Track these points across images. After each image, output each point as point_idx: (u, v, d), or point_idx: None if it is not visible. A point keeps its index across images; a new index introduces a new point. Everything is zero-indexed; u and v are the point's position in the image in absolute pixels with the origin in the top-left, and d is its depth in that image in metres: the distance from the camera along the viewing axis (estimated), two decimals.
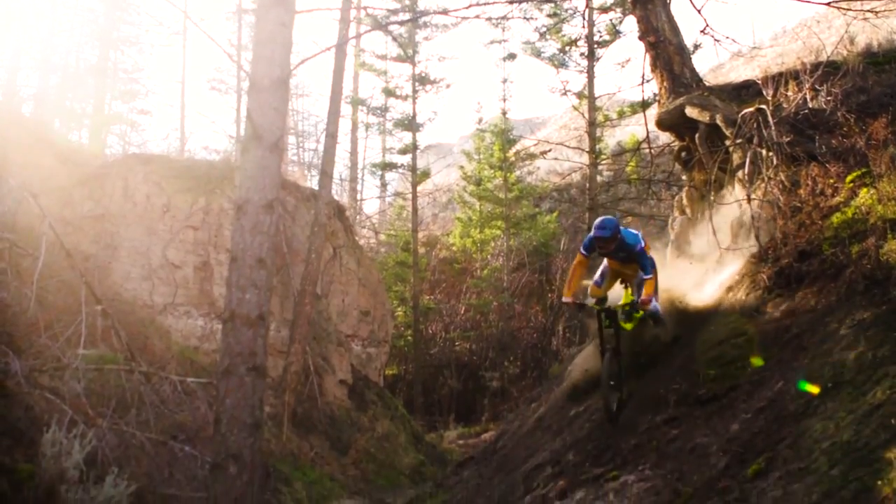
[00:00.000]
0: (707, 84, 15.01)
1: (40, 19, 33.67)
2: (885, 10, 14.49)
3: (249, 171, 9.00)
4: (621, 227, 10.06)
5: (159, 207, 17.44)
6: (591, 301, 10.43)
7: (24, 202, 13.86)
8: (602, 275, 10.72)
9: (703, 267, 11.96)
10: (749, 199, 10.74)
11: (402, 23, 30.58)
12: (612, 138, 32.25)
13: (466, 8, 11.16)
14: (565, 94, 28.24)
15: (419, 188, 32.01)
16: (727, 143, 12.16)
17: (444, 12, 30.61)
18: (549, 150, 29.96)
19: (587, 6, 26.08)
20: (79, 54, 34.42)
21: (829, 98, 11.52)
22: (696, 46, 22.66)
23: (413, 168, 31.38)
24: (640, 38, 14.80)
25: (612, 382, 9.75)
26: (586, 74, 27.83)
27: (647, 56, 14.86)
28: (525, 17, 27.96)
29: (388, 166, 35.20)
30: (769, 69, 15.10)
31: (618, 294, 10.88)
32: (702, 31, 15.76)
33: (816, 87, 11.83)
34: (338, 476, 16.25)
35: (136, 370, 12.59)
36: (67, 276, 13.63)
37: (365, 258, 23.09)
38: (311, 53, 14.64)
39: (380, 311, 22.48)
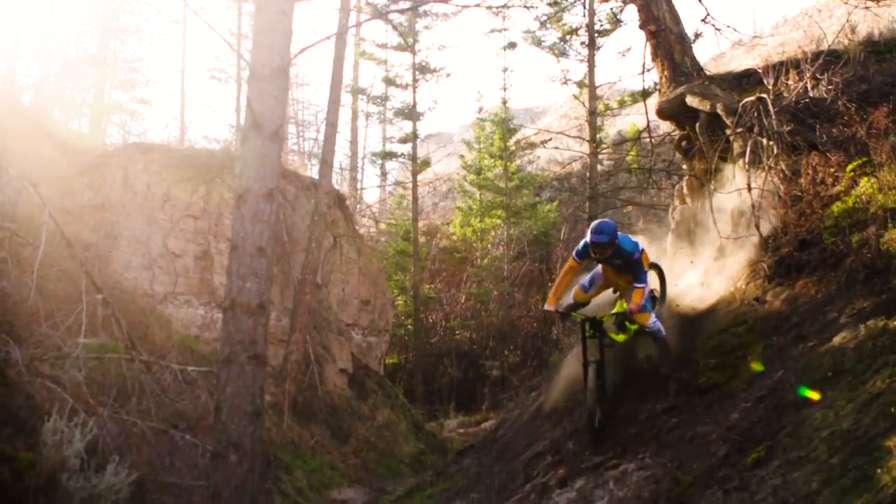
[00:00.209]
0: (708, 73, 14.98)
1: (40, 8, 33.66)
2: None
3: (249, 160, 8.99)
4: (619, 233, 9.45)
5: (159, 197, 17.42)
6: (570, 302, 9.91)
7: (24, 192, 13.86)
8: (592, 279, 10.15)
9: (704, 258, 11.96)
10: (749, 189, 10.73)
11: (402, 11, 30.50)
12: (613, 127, 32.19)
13: None
14: (566, 83, 28.20)
15: (419, 177, 31.98)
16: (728, 132, 12.15)
17: (445, 1, 30.53)
18: (550, 140, 29.95)
19: None
20: (78, 43, 34.41)
21: (829, 87, 11.50)
22: (697, 35, 22.55)
23: (413, 157, 31.34)
24: (641, 26, 14.76)
25: (595, 398, 9.16)
26: (587, 63, 27.76)
27: (648, 45, 14.83)
28: (525, 6, 27.87)
29: (388, 155, 35.19)
30: (770, 58, 15.08)
31: (603, 302, 10.33)
32: (702, 20, 15.69)
33: (817, 76, 11.81)
34: (338, 464, 16.28)
35: (137, 359, 12.63)
36: (68, 266, 13.64)
37: (365, 247, 23.08)
38: (311, 42, 14.71)
39: (380, 300, 22.49)
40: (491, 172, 32.28)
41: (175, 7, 42.60)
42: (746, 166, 11.09)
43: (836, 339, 7.56)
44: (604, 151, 29.32)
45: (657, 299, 10.50)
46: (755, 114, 11.35)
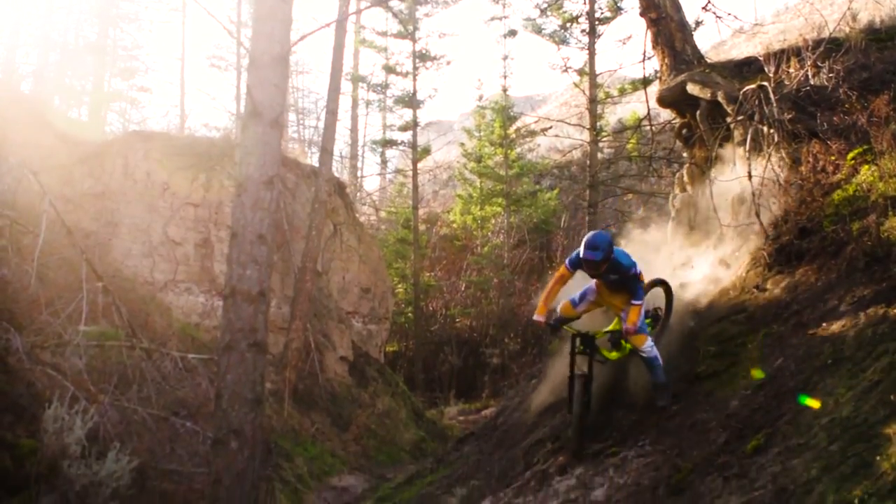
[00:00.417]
0: (708, 61, 14.93)
1: None
2: None
3: (250, 147, 9.01)
4: (616, 247, 8.74)
5: (160, 184, 17.43)
6: (558, 315, 9.21)
7: (24, 180, 13.87)
8: (583, 294, 9.34)
9: (704, 246, 11.96)
10: (750, 176, 10.72)
11: None
12: (613, 115, 32.14)
13: None
14: (566, 70, 28.08)
15: (419, 165, 31.93)
16: (728, 119, 12.12)
17: None
18: (550, 127, 29.88)
19: None
20: (78, 31, 34.32)
21: (830, 75, 11.47)
22: (698, 23, 22.50)
23: (413, 145, 31.30)
24: (642, 14, 14.71)
25: (580, 413, 8.81)
26: (587, 51, 27.65)
27: (649, 33, 14.78)
28: None
29: (388, 143, 35.12)
30: (771, 46, 15.03)
31: (598, 316, 9.68)
32: (703, 8, 15.65)
33: (818, 63, 11.78)
34: (339, 452, 16.32)
35: (138, 346, 12.65)
36: (68, 254, 13.65)
37: (365, 235, 23.08)
38: (311, 30, 14.70)
39: (380, 287, 22.51)
40: (491, 160, 32.25)
41: None
42: (747, 154, 11.06)
43: (836, 327, 7.56)
44: (604, 139, 29.25)
45: (660, 318, 9.88)
46: (756, 102, 11.33)
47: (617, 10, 27.42)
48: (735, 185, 11.16)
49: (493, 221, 32.59)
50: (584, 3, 27.44)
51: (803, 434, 6.33)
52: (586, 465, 8.56)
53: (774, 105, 10.94)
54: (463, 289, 31.30)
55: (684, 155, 15.94)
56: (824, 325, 7.81)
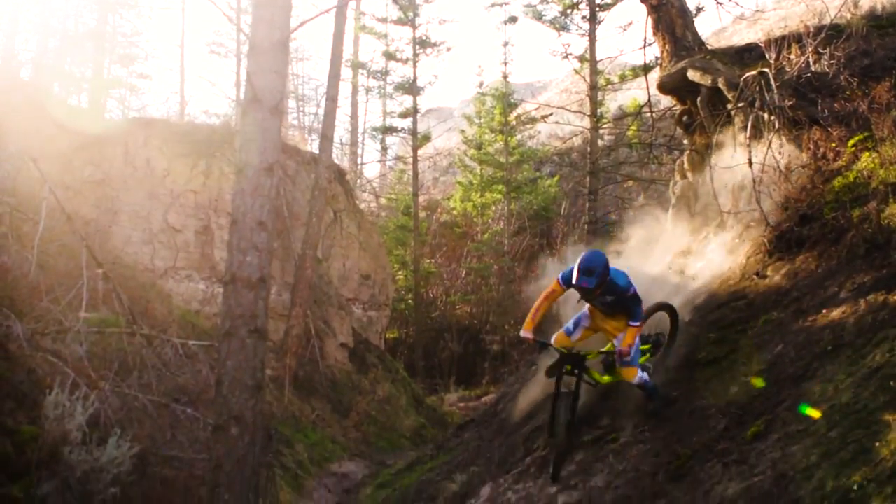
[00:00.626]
0: (709, 47, 14.89)
1: None
2: None
3: (250, 134, 8.99)
4: (611, 267, 8.11)
5: (160, 171, 17.42)
6: (551, 343, 8.61)
7: (24, 167, 13.85)
8: (577, 321, 8.86)
9: (704, 233, 11.96)
10: (751, 163, 10.71)
11: None
12: (614, 102, 32.03)
13: None
14: (567, 57, 27.99)
15: (420, 152, 31.87)
16: (729, 106, 12.10)
17: None
18: (551, 114, 29.79)
19: None
20: (77, 18, 34.10)
21: (832, 61, 11.45)
22: (699, 9, 22.48)
23: (414, 132, 31.26)
24: (643, 0, 14.68)
25: (565, 433, 8.44)
26: (588, 38, 27.55)
27: (649, 19, 14.74)
28: None
29: (388, 130, 35.05)
30: (772, 32, 14.98)
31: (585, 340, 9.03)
32: None
33: (819, 50, 11.75)
34: (339, 438, 16.36)
35: (138, 333, 12.63)
36: (68, 240, 13.63)
37: (366, 222, 23.08)
38: (310, 16, 14.69)
39: (380, 274, 22.52)
40: (491, 147, 32.22)
41: None
42: (748, 141, 11.05)
43: (836, 314, 7.57)
44: (605, 126, 29.20)
45: (662, 345, 9.35)
46: (757, 88, 11.31)
47: None
48: (736, 171, 11.16)
49: (493, 208, 32.57)
50: None
51: (803, 420, 6.35)
52: (586, 451, 8.59)
53: (775, 92, 10.92)
54: (463, 276, 31.29)
55: (685, 142, 15.92)
56: (824, 311, 7.82)
